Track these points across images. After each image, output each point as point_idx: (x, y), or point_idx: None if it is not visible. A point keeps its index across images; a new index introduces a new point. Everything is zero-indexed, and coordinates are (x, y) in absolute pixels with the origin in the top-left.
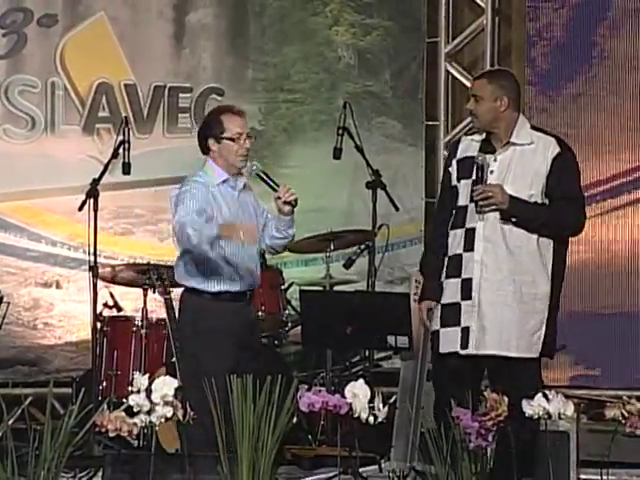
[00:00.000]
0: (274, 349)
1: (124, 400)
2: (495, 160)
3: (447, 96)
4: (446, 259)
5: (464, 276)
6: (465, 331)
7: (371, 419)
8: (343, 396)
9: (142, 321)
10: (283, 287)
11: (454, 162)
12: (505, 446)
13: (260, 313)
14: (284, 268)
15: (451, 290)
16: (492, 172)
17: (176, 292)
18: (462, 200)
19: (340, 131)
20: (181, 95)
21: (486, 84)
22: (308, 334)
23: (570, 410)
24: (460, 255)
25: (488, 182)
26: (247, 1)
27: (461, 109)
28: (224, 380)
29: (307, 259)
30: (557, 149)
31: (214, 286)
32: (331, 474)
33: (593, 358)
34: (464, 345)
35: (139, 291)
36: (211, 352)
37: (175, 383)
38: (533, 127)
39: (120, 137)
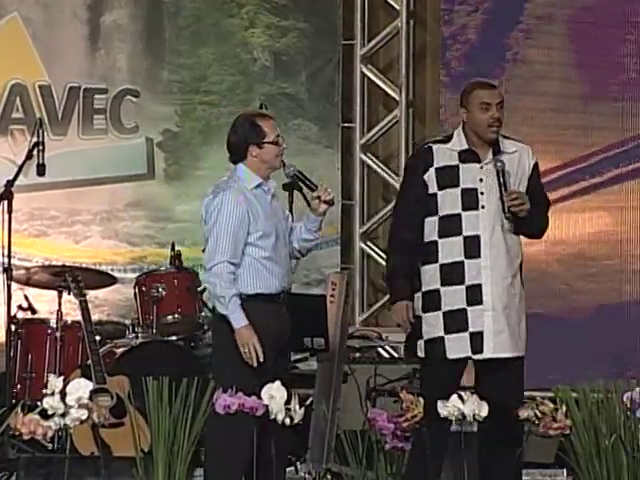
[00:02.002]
0: (190, 351)
1: (38, 403)
2: (482, 168)
3: (363, 98)
4: (437, 266)
5: (469, 282)
6: (477, 336)
7: (287, 421)
8: (259, 398)
9: (57, 323)
10: (199, 289)
11: (432, 170)
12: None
13: (176, 315)
14: (200, 270)
15: (453, 297)
16: (481, 180)
17: (91, 294)
18: (449, 208)
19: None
20: (96, 96)
21: (500, 92)
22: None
23: (484, 411)
24: (462, 262)
25: (479, 191)
26: (162, 2)
27: (377, 111)
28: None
29: None
30: (533, 158)
31: (251, 288)
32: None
33: None
34: (478, 349)
35: (54, 293)
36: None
37: (90, 385)
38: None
39: (34, 138)
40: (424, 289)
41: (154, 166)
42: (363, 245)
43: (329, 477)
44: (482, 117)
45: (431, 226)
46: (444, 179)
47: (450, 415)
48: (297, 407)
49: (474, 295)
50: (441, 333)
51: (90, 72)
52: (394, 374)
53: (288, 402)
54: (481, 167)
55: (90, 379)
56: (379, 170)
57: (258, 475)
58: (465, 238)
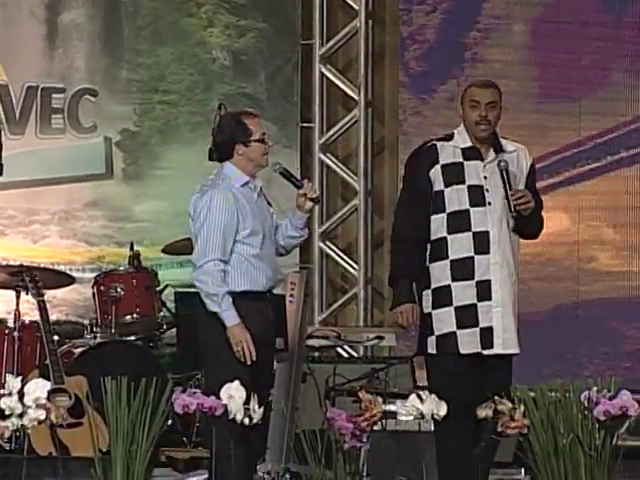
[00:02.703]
0: (148, 351)
1: None
2: (485, 167)
3: (322, 98)
4: (447, 262)
5: (479, 278)
6: (487, 331)
7: (247, 420)
8: (218, 397)
9: (15, 323)
10: (158, 289)
11: (438, 167)
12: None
13: (134, 315)
14: (159, 270)
15: (464, 292)
16: (485, 177)
17: (49, 294)
18: (456, 205)
19: (215, 132)
20: (54, 96)
21: (497, 91)
22: (183, 336)
23: (443, 410)
24: (471, 258)
25: (484, 188)
26: (121, 2)
27: (336, 111)
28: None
29: (182, 261)
30: (530, 158)
31: (239, 286)
32: (205, 476)
33: None
34: (488, 345)
35: (12, 293)
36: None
37: (48, 385)
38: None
39: None
40: (434, 285)
41: (112, 166)
42: (322, 245)
43: (288, 477)
44: (471, 114)
45: (439, 223)
46: (450, 176)
47: (408, 415)
48: (256, 407)
49: (484, 291)
50: (453, 328)
51: (48, 71)
52: (353, 374)
53: (247, 402)
54: (484, 165)
55: (48, 379)
56: (338, 170)
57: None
58: (474, 234)
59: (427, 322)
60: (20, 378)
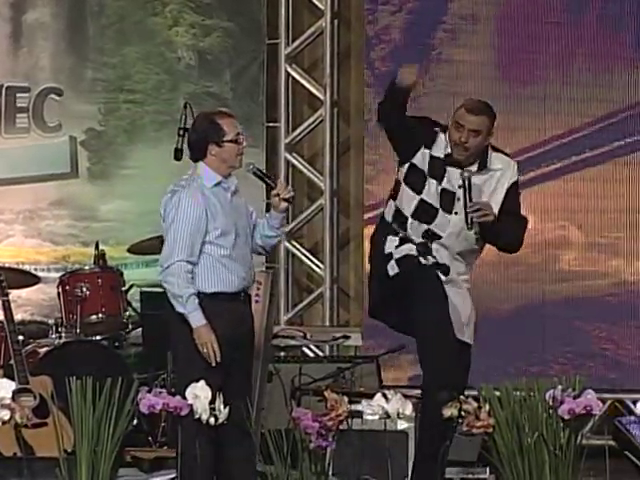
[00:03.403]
0: (114, 351)
1: None
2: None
3: (287, 98)
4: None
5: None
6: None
7: (212, 420)
8: (184, 397)
9: None
10: (123, 289)
11: (427, 153)
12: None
13: (100, 315)
14: (124, 269)
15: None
16: (460, 187)
17: (14, 294)
18: (432, 198)
19: (181, 132)
20: (19, 95)
21: (486, 120)
22: (149, 335)
23: (409, 409)
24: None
25: (456, 197)
26: (85, 1)
27: (301, 111)
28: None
29: (148, 260)
30: (516, 174)
31: (210, 287)
32: (171, 475)
33: None
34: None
35: None
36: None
37: (13, 385)
38: (491, 147)
39: None
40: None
41: (77, 165)
42: (288, 244)
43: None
44: (453, 134)
45: (411, 202)
46: (433, 169)
47: (374, 414)
48: (221, 407)
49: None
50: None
51: (13, 70)
52: (319, 373)
53: (212, 402)
54: (461, 174)
55: (13, 379)
56: (304, 170)
57: None
58: (428, 230)
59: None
60: None
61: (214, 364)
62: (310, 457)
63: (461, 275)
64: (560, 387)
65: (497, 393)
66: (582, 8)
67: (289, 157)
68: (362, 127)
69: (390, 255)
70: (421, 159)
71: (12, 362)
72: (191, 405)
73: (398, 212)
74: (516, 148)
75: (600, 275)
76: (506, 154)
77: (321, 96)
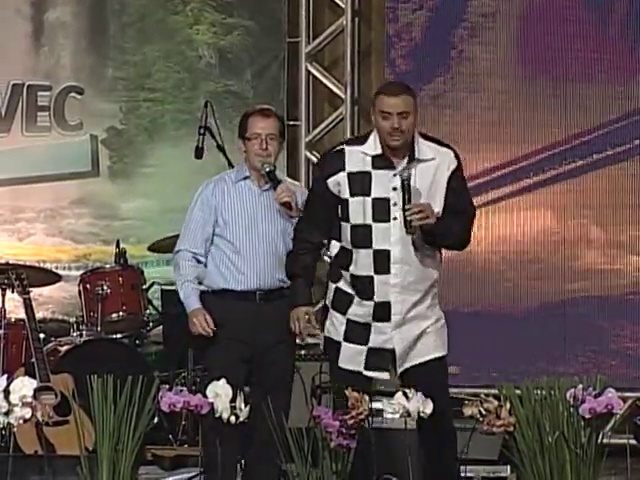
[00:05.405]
0: (135, 349)
1: None
2: (395, 176)
3: (308, 96)
4: (348, 275)
5: (377, 300)
6: (379, 353)
7: (233, 419)
8: (205, 396)
9: (0, 321)
10: (144, 287)
11: (343, 174)
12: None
13: (121, 313)
14: (145, 268)
15: (363, 311)
16: (394, 189)
17: (35, 292)
18: (360, 218)
19: (201, 130)
20: (40, 93)
21: (411, 99)
22: (169, 333)
23: (429, 408)
24: (371, 277)
25: (392, 201)
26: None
27: (322, 109)
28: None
29: (168, 259)
30: (455, 162)
31: (218, 284)
32: (192, 474)
33: (452, 356)
34: (383, 366)
35: None
36: (209, 349)
37: (34, 384)
38: (423, 135)
39: None
40: (341, 286)
41: (99, 163)
42: None
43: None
44: (382, 124)
45: (346, 232)
46: (355, 185)
47: (395, 413)
48: (242, 405)
49: (381, 312)
50: (339, 338)
51: (34, 69)
52: None
53: (233, 400)
54: (394, 175)
55: (34, 377)
56: None
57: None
58: (375, 252)
59: (325, 315)
60: (6, 376)
61: (208, 332)
62: (331, 456)
63: (422, 304)
64: (581, 386)
65: (518, 392)
66: (605, 6)
67: (309, 155)
68: None
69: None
70: (340, 186)
71: (33, 360)
72: (212, 403)
73: (342, 249)
74: (537, 146)
75: (621, 273)
76: (440, 142)
77: (342, 94)
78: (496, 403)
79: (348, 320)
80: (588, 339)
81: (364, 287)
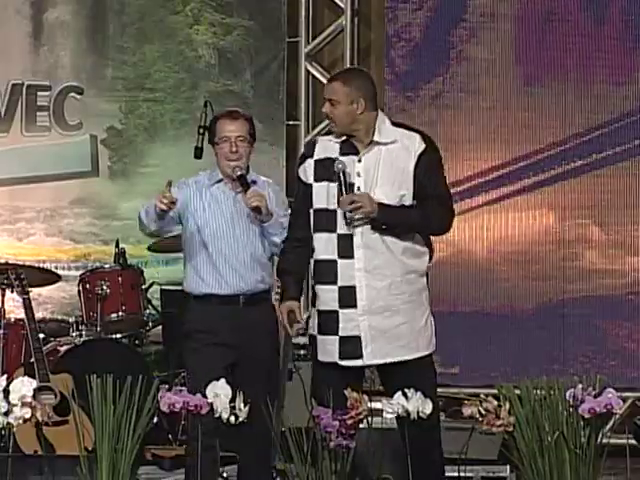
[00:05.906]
0: (134, 349)
1: None
2: (360, 161)
3: (308, 96)
4: (312, 262)
5: (342, 284)
6: (350, 340)
7: (232, 419)
8: (204, 396)
9: (0, 321)
10: (144, 287)
11: (311, 161)
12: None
13: (120, 313)
14: (145, 267)
15: (327, 296)
16: (359, 174)
17: (34, 292)
18: (323, 202)
19: (201, 130)
20: (39, 93)
21: (341, 87)
22: (169, 333)
23: (429, 408)
24: (334, 261)
25: (356, 186)
26: None
27: (321, 109)
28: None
29: (168, 259)
30: (422, 145)
31: (199, 289)
32: None
33: (451, 356)
34: (356, 354)
35: None
36: (193, 356)
37: (33, 383)
38: (394, 123)
39: None
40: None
41: (98, 163)
42: None
43: (274, 474)
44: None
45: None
46: (321, 171)
47: (394, 413)
48: (242, 405)
49: (347, 297)
50: (315, 332)
51: (33, 69)
52: None
53: (233, 400)
54: (359, 160)
55: (33, 377)
56: None
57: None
58: (339, 236)
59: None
60: (5, 376)
61: (168, 202)
62: (330, 456)
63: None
64: (580, 386)
65: (517, 392)
66: (603, 6)
67: None
68: None
69: None
70: (306, 172)
71: (33, 360)
72: (211, 404)
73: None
74: (537, 146)
75: (621, 273)
76: (409, 128)
77: None
78: (495, 403)
79: (318, 311)
80: (587, 339)
81: (328, 271)
